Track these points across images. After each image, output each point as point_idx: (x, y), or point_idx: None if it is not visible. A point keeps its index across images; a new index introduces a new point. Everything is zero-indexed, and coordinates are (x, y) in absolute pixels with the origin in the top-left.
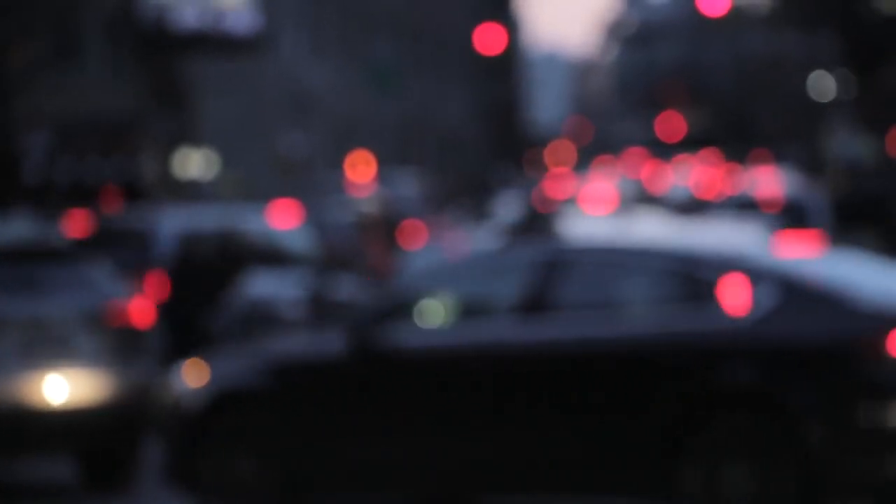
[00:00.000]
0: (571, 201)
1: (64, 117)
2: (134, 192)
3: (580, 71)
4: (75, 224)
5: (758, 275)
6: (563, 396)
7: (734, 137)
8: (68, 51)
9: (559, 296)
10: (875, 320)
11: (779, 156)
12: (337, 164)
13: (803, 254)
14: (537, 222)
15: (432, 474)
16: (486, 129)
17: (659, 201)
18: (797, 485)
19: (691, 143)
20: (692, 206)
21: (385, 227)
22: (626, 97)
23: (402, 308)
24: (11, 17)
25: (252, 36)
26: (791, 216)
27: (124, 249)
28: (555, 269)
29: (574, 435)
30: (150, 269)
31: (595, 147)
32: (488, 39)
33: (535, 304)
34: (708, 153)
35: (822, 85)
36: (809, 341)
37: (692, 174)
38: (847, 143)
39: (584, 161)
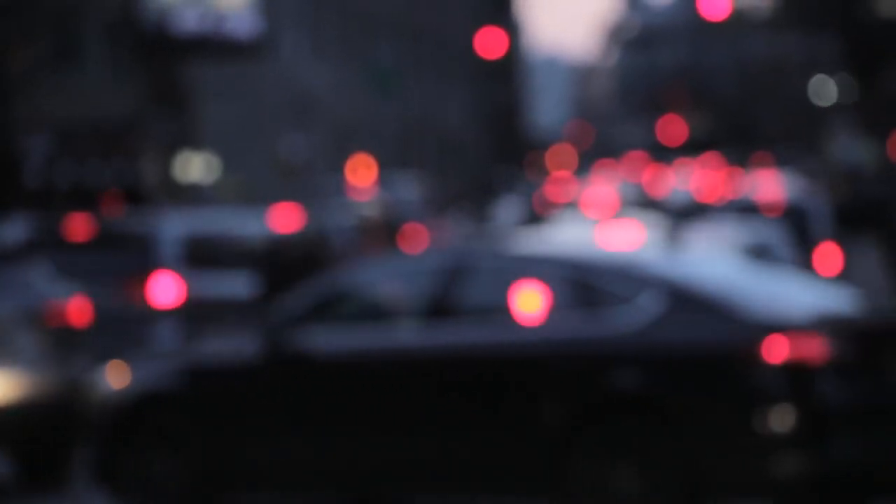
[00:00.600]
0: (572, 205)
1: (64, 120)
2: (134, 196)
3: (581, 74)
4: (75, 227)
5: (646, 282)
6: (462, 400)
7: (735, 141)
8: (69, 53)
9: (462, 301)
10: (753, 328)
11: (780, 159)
12: (338, 168)
13: (695, 260)
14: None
15: (341, 475)
16: (487, 133)
17: (660, 205)
18: (681, 487)
19: (692, 147)
20: (693, 210)
21: (386, 231)
22: (628, 101)
23: (316, 311)
24: (12, 19)
25: (253, 39)
26: (792, 220)
27: (125, 253)
28: (459, 275)
29: (471, 437)
30: (152, 273)
31: (596, 151)
32: (489, 43)
33: (439, 309)
34: (709, 157)
35: (824, 89)
36: (693, 348)
37: (693, 178)
38: (848, 147)
39: (585, 165)
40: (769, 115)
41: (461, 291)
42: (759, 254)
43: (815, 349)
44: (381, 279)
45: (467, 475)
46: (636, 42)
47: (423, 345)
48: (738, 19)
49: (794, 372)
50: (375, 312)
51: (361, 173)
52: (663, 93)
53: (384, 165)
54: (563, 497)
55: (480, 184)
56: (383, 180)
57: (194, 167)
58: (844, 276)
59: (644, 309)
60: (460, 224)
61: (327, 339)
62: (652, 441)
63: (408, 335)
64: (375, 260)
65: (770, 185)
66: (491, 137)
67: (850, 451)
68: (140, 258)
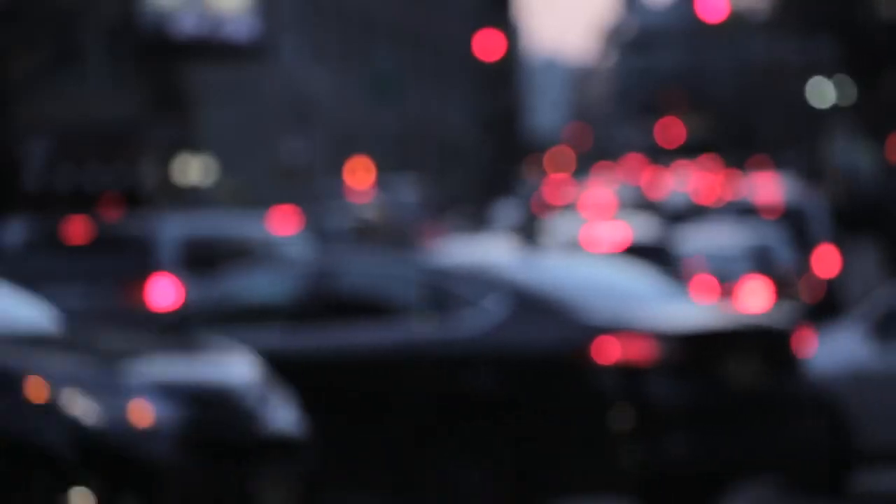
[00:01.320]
0: (571, 207)
1: (64, 124)
2: (134, 199)
3: (579, 77)
4: (75, 230)
5: (493, 286)
6: (322, 400)
7: (733, 143)
8: (69, 58)
9: (324, 306)
10: (585, 330)
11: (778, 162)
12: (336, 171)
13: (544, 265)
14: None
15: None
16: (486, 135)
17: (658, 207)
18: (527, 484)
19: (691, 150)
20: (691, 213)
21: (384, 234)
22: (626, 103)
23: (202, 313)
24: (12, 24)
25: (252, 43)
26: (790, 222)
27: (124, 255)
28: (323, 281)
29: (330, 436)
30: (150, 276)
31: (594, 153)
32: (487, 45)
33: (304, 313)
34: (707, 159)
35: (822, 91)
36: (534, 350)
37: (691, 180)
38: (846, 150)
39: (584, 167)
40: (767, 117)
41: (325, 296)
42: (759, 255)
43: (644, 350)
44: (258, 284)
45: (328, 472)
46: (634, 44)
47: (287, 347)
48: (736, 21)
49: (625, 372)
50: (250, 316)
51: (360, 176)
52: (661, 95)
53: (383, 168)
54: (416, 495)
55: (479, 186)
56: (382, 183)
57: (193, 170)
58: (843, 278)
59: (490, 312)
60: (459, 227)
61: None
62: (498, 440)
63: (275, 338)
64: (254, 266)
65: (768, 187)
66: (489, 140)
67: (684, 447)
68: (139, 261)
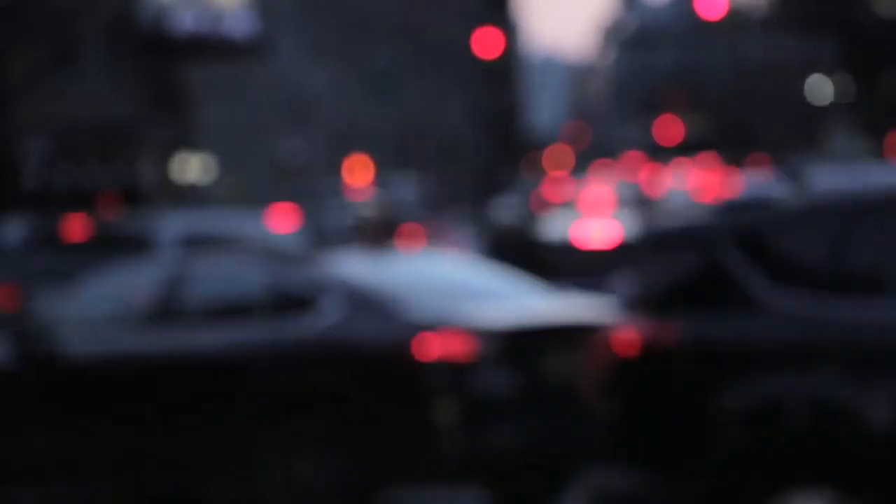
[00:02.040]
0: (569, 205)
1: (63, 122)
2: (133, 197)
3: (578, 75)
4: (74, 228)
5: (329, 286)
6: (172, 397)
7: (732, 141)
8: (67, 56)
9: (174, 306)
10: (411, 327)
11: (777, 160)
12: (335, 169)
13: (381, 266)
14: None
15: (85, 470)
16: (485, 133)
17: (656, 205)
18: (361, 477)
19: (689, 147)
20: (689, 210)
21: (384, 231)
22: (624, 101)
23: (72, 315)
24: (11, 24)
25: (250, 41)
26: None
27: (123, 253)
28: (175, 282)
29: (180, 432)
30: None
31: (593, 151)
32: (486, 44)
33: (157, 313)
34: (706, 157)
35: (820, 89)
36: (365, 348)
37: (690, 178)
38: (845, 147)
39: (582, 165)
40: (766, 115)
41: (175, 297)
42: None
43: (465, 346)
44: (118, 285)
45: (178, 467)
46: (633, 42)
47: (142, 347)
48: (734, 19)
49: (447, 367)
50: (113, 316)
51: (359, 174)
52: (660, 93)
53: (382, 166)
54: (257, 489)
55: (478, 184)
56: (381, 181)
57: (192, 169)
58: None
59: (326, 312)
60: (458, 224)
61: (71, 342)
62: (333, 435)
63: (130, 338)
64: (115, 268)
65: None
66: (488, 138)
67: (505, 437)
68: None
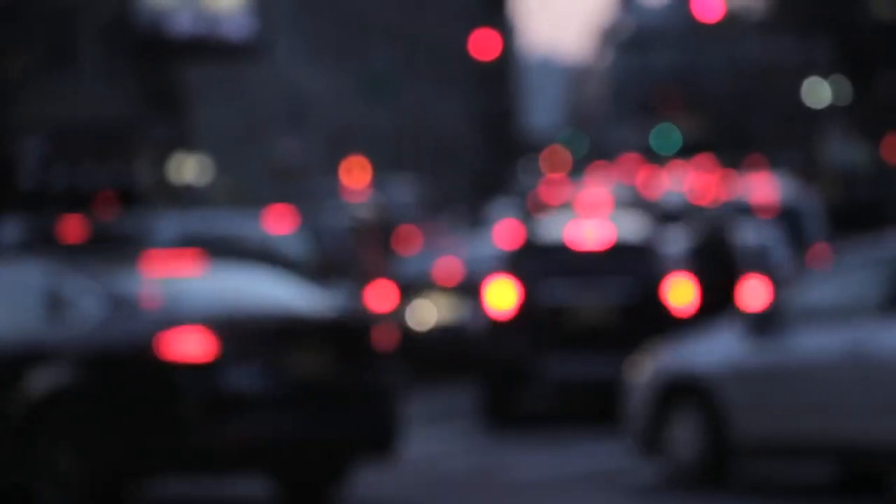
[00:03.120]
0: (567, 207)
1: (59, 122)
2: (129, 198)
3: (575, 76)
4: (71, 229)
5: (91, 288)
6: None
7: (729, 143)
8: (64, 57)
9: None
10: (158, 326)
11: (774, 162)
12: (332, 170)
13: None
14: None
15: None
16: (482, 135)
17: (654, 207)
18: (117, 467)
19: (686, 149)
20: (687, 212)
21: (380, 233)
22: (622, 103)
23: None
24: (7, 22)
25: (247, 42)
26: (786, 222)
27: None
28: None
29: None
30: None
31: (590, 152)
32: (483, 45)
33: None
34: (703, 159)
35: (817, 91)
36: (119, 347)
37: (687, 180)
38: (842, 150)
39: (580, 167)
40: (763, 117)
41: None
42: (755, 255)
43: (210, 344)
44: None
45: None
46: (630, 44)
47: None
48: (731, 21)
49: (192, 364)
50: None
51: (356, 176)
52: (657, 95)
53: (379, 168)
54: (30, 477)
55: (475, 185)
56: (378, 183)
57: (189, 169)
58: None
59: (89, 313)
60: (455, 226)
61: None
62: (91, 431)
63: None
64: None
65: (764, 187)
66: (485, 139)
67: (253, 430)
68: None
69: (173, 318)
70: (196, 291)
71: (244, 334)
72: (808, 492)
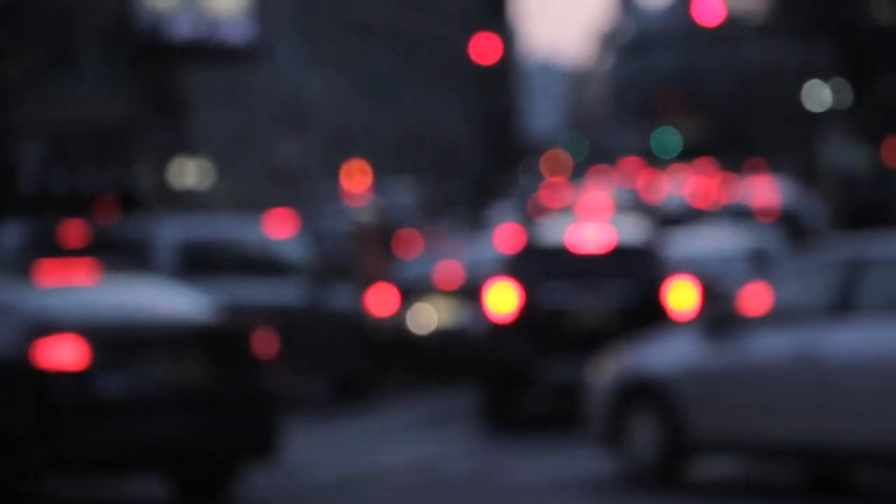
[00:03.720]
0: (567, 210)
1: (59, 126)
2: (130, 202)
3: (576, 80)
4: (71, 233)
5: None
6: None
7: (730, 147)
8: (64, 61)
9: None
10: (31, 334)
11: (774, 165)
12: (333, 174)
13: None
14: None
15: None
16: (482, 138)
17: (654, 210)
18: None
19: (687, 153)
20: (688, 216)
21: (381, 236)
22: (622, 106)
23: None
24: (6, 26)
25: (247, 46)
26: (786, 225)
27: (120, 259)
28: None
29: None
30: None
31: (591, 156)
32: (484, 49)
33: None
34: (703, 162)
35: (818, 94)
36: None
37: (688, 183)
38: (842, 153)
39: (580, 170)
40: (763, 120)
41: None
42: (755, 258)
43: (82, 351)
44: None
45: None
46: (630, 47)
47: None
48: (732, 25)
49: (63, 370)
50: None
51: (356, 179)
52: (658, 98)
53: (379, 171)
54: None
55: (475, 189)
56: (378, 186)
57: (189, 173)
58: None
59: None
60: (456, 229)
61: None
62: None
63: None
64: None
65: (764, 190)
66: (486, 143)
67: (128, 434)
68: (135, 264)
69: (48, 327)
70: (79, 301)
71: (118, 342)
72: (767, 490)
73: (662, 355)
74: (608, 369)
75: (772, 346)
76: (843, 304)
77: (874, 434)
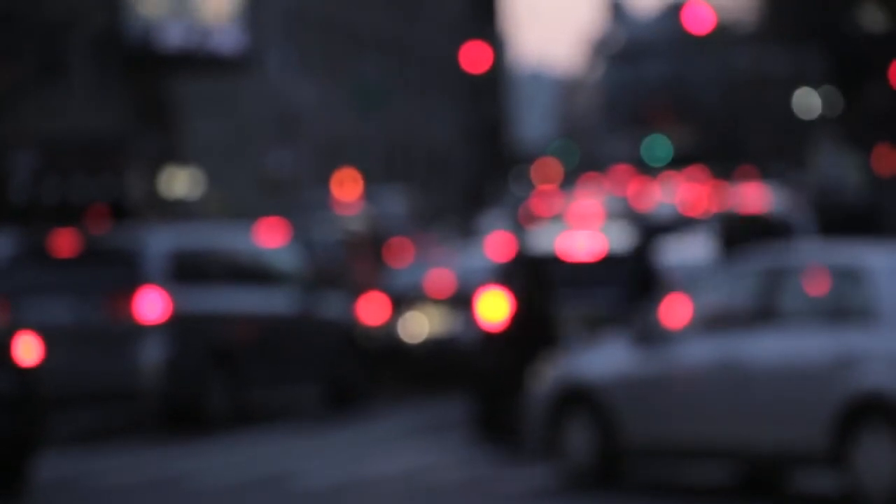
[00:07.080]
0: (558, 218)
1: (50, 136)
2: (120, 211)
3: (566, 88)
4: (61, 242)
5: None
6: None
7: (720, 154)
8: (54, 69)
9: None
10: None
11: (765, 173)
12: (324, 182)
13: None
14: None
15: None
16: (473, 147)
17: (645, 218)
18: None
19: (678, 161)
20: (678, 224)
21: (372, 245)
22: (613, 114)
23: None
24: None
25: (238, 55)
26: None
27: (111, 268)
28: None
29: None
30: (138, 288)
31: (581, 164)
32: (474, 57)
33: None
34: (694, 170)
35: (808, 102)
36: None
37: (679, 191)
38: (833, 160)
39: (571, 178)
40: (754, 128)
41: None
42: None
43: None
44: None
45: None
46: (621, 56)
47: None
48: (722, 33)
49: None
50: None
51: (347, 187)
52: (648, 106)
53: (370, 180)
54: None
55: (466, 197)
56: (369, 194)
57: (180, 182)
58: None
59: None
60: (447, 238)
61: None
62: None
63: None
64: None
65: (755, 197)
66: (476, 151)
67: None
68: (126, 274)
69: None
70: None
71: None
72: (699, 492)
73: (596, 363)
74: (546, 377)
75: (696, 352)
76: (764, 312)
77: (793, 437)
